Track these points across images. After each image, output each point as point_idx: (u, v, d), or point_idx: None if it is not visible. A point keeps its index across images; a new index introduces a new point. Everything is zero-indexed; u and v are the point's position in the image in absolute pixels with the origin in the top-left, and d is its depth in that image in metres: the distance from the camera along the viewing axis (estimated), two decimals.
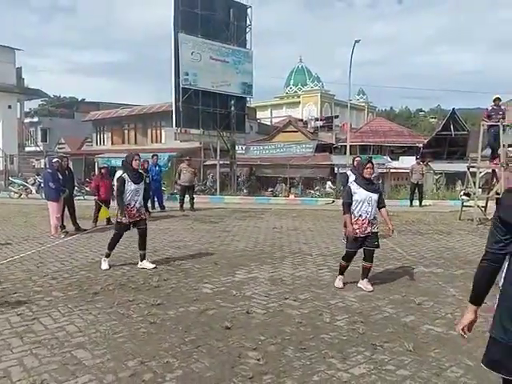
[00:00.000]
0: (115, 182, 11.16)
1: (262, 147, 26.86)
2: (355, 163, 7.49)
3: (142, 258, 6.23)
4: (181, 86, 18.99)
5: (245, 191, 20.77)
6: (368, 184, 5.15)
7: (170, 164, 21.06)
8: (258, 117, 38.74)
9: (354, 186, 5.15)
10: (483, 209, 11.63)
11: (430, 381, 3.01)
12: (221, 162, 20.98)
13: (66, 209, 9.44)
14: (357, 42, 22.85)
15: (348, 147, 24.15)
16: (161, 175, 14.07)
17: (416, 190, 15.30)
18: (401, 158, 24.70)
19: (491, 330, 1.90)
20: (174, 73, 19.17)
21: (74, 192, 10.94)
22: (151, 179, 12.05)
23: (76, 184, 12.75)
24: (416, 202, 15.29)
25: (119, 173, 11.29)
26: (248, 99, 23.09)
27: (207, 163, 22.97)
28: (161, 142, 28.12)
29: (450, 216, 12.36)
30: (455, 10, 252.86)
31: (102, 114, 31.99)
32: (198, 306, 4.51)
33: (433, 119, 79.09)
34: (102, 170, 11.13)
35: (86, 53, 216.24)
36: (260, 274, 5.89)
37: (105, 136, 32.47)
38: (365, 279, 5.23)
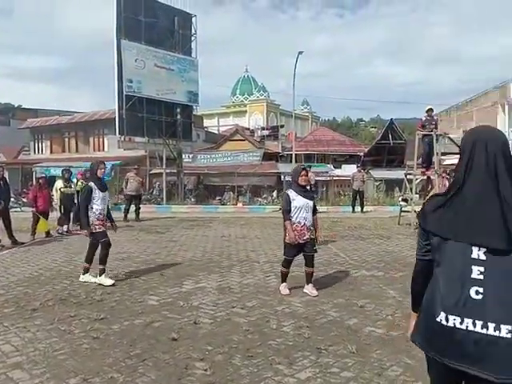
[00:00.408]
0: (54, 192, 10.76)
1: (209, 156, 26.80)
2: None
3: (102, 272, 5.91)
4: (124, 93, 18.55)
5: (192, 200, 20.60)
6: (305, 191, 5.30)
7: (113, 173, 20.45)
8: (205, 125, 38.61)
9: (292, 194, 5.24)
10: None
11: (372, 381, 3.13)
12: (167, 171, 20.68)
13: (1, 221, 8.90)
14: (300, 53, 23.51)
15: (293, 156, 24.66)
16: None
17: (357, 197, 15.91)
18: (343, 166, 25.62)
19: (411, 336, 1.85)
20: (117, 80, 18.70)
21: (10, 203, 10.33)
22: None
23: (12, 195, 12.08)
24: (358, 208, 15.89)
25: (59, 183, 10.86)
26: (194, 107, 22.97)
27: (153, 172, 22.54)
28: (103, 150, 27.23)
29: (390, 221, 12.95)
30: (393, 25, 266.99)
31: (40, 121, 30.50)
32: (143, 319, 4.40)
33: (373, 129, 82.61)
34: (40, 180, 10.64)
35: (23, 57, 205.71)
36: (208, 283, 5.86)
37: (43, 144, 30.95)
38: (309, 284, 5.36)
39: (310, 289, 5.32)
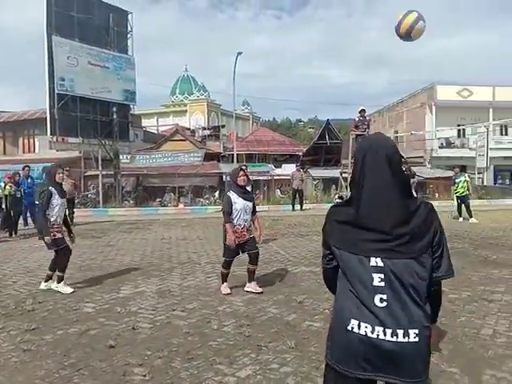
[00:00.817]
0: None
1: (148, 156, 26.20)
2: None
3: (61, 279, 5.62)
4: (56, 91, 17.70)
5: (131, 202, 20.05)
6: (244, 193, 5.31)
7: (44, 176, 19.38)
8: (143, 125, 37.64)
9: (233, 196, 5.21)
10: None
11: (311, 374, 3.24)
12: (103, 173, 19.96)
13: None
14: (239, 54, 23.65)
15: (235, 156, 24.75)
16: (34, 188, 12.89)
17: (297, 195, 16.29)
18: (283, 165, 26.11)
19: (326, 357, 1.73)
20: (47, 77, 17.80)
21: None
22: (23, 193, 11.01)
23: None
24: (297, 207, 16.27)
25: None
26: (131, 106, 22.37)
27: (89, 174, 21.67)
28: (34, 151, 25.76)
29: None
30: (330, 28, 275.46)
31: None
32: (78, 327, 4.24)
33: (311, 129, 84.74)
34: None
35: None
36: (147, 287, 5.74)
37: None
38: (252, 282, 5.41)
39: (253, 286, 5.38)
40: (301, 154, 28.62)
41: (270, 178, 23.64)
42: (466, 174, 13.43)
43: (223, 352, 3.61)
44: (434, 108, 30.37)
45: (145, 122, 41.41)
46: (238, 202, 5.16)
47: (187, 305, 4.93)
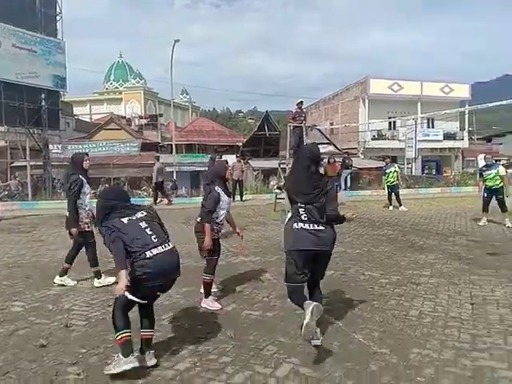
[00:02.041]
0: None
1: (81, 146, 24.98)
2: (215, 162, 7.25)
3: (97, 274, 5.41)
4: None
5: (63, 195, 19.03)
6: (227, 188, 4.81)
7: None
8: (75, 113, 35.85)
9: (221, 192, 4.56)
10: None
11: (249, 362, 3.28)
12: (32, 163, 18.80)
13: None
14: (176, 41, 23.15)
15: (174, 146, 24.29)
16: None
17: (237, 186, 16.35)
18: (223, 156, 25.95)
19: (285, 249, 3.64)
20: None
21: None
22: None
23: None
24: (238, 197, 16.33)
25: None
26: (62, 93, 21.23)
27: (15, 164, 20.31)
28: None
29: (267, 208, 13.57)
30: (270, 19, 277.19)
31: None
32: (6, 328, 3.99)
33: (251, 120, 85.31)
34: None
35: None
36: (81, 283, 5.51)
37: None
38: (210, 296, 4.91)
39: (209, 302, 4.81)
40: (241, 144, 28.71)
41: None
42: (396, 165, 14.16)
43: (161, 345, 3.56)
44: (366, 101, 31.66)
45: (77, 110, 39.47)
46: (225, 200, 4.58)
47: None
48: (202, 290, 4.66)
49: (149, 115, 40.55)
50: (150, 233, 3.19)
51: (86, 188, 5.42)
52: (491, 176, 9.43)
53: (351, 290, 5.04)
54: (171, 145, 24.94)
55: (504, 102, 10.44)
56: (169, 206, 14.83)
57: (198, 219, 4.76)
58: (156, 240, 3.17)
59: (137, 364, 3.04)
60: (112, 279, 5.28)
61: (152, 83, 61.25)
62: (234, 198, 16.28)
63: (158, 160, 16.50)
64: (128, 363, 2.97)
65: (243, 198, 16.40)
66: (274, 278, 5.59)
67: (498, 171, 9.46)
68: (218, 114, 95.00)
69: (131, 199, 3.58)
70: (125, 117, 40.08)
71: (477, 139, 39.46)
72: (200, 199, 5.99)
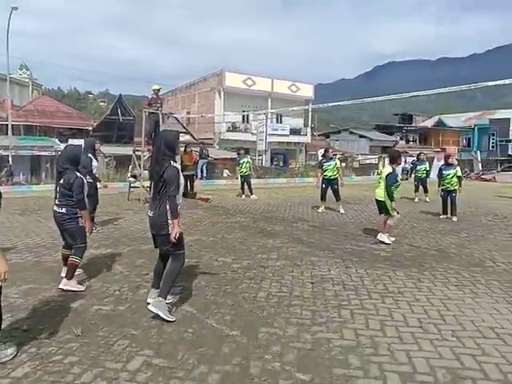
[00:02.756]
0: None
1: None
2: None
3: None
4: None
5: None
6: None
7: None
8: None
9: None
10: (148, 189, 12.76)
11: (98, 359, 3.11)
12: None
13: None
14: (14, 8, 20.38)
15: (10, 127, 21.51)
16: None
17: None
18: (70, 140, 23.87)
19: None
20: None
21: None
22: None
23: None
24: None
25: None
26: None
27: None
28: None
29: (120, 197, 12.94)
30: None
31: None
32: None
33: (102, 103, 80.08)
34: None
35: None
36: None
37: None
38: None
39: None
40: (91, 129, 26.76)
41: (54, 153, 21.38)
42: (249, 156, 14.84)
43: None
44: (222, 93, 32.44)
45: None
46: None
47: None
48: (63, 274, 4.69)
49: None
50: None
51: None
52: (330, 167, 10.60)
53: (205, 276, 5.15)
54: (7, 125, 21.95)
55: (341, 103, 11.74)
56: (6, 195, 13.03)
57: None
58: None
59: None
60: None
61: None
62: None
63: None
64: None
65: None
66: (126, 270, 5.38)
67: (336, 163, 10.69)
68: (65, 94, 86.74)
69: None
70: None
71: (318, 135, 43.71)
72: (43, 187, 5.43)
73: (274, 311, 4.09)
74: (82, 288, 4.60)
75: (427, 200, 13.25)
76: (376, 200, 7.45)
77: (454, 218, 9.87)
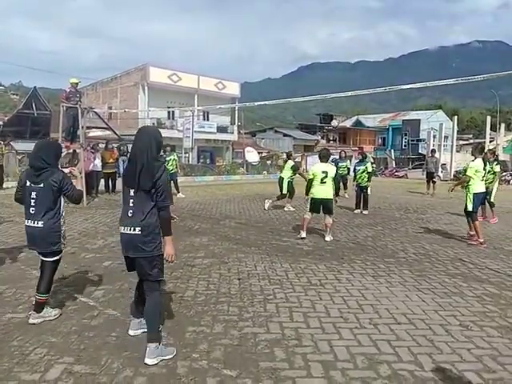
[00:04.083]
0: None
1: None
2: None
3: None
4: None
5: None
6: None
7: None
8: None
9: None
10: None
11: (12, 371, 2.91)
12: None
13: None
14: None
15: None
16: None
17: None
18: None
19: None
20: None
21: None
22: None
23: None
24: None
25: None
26: None
27: None
28: None
29: None
30: None
31: None
32: None
33: (14, 96, 74.18)
34: None
35: None
36: None
37: None
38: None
39: None
40: (1, 123, 24.71)
41: None
42: (175, 153, 14.60)
43: None
44: (146, 88, 31.55)
45: None
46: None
47: None
48: None
49: None
50: None
51: None
52: (359, 172, 10.92)
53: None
54: None
55: (267, 102, 11.97)
56: None
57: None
58: None
59: None
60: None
61: None
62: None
63: None
64: None
65: (4, 186, 14.22)
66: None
67: (366, 168, 10.90)
68: None
69: None
70: None
71: (244, 133, 44.15)
72: None
73: (201, 309, 4.09)
74: None
75: (346, 196, 13.96)
76: (320, 199, 7.30)
77: (365, 212, 10.62)
